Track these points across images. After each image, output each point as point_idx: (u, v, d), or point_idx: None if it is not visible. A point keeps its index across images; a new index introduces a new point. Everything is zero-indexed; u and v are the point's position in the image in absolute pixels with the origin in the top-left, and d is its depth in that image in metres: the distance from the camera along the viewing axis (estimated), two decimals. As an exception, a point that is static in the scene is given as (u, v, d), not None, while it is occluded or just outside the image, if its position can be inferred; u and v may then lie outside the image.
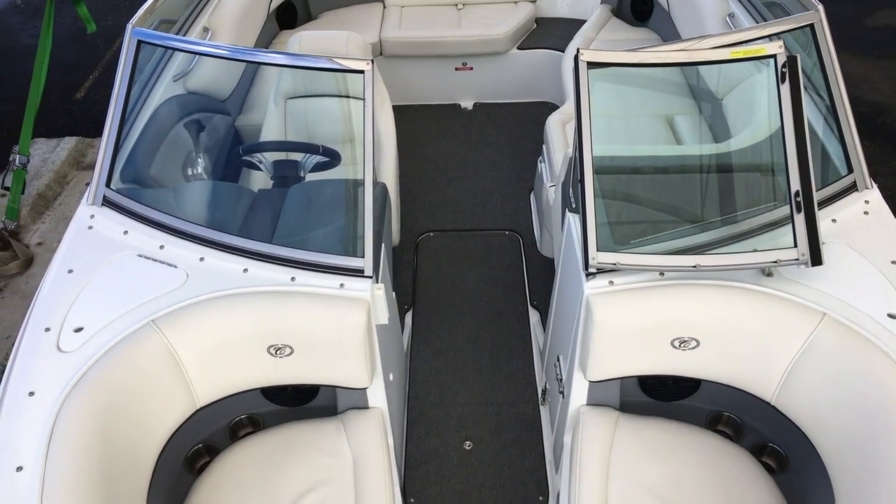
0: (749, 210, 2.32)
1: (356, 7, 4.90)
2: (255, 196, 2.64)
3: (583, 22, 4.81)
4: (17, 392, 1.93)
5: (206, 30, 3.56)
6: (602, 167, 2.30)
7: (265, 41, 4.42)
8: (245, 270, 2.25)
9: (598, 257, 2.14)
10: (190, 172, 3.02)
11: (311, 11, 4.88)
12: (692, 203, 2.45)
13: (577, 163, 2.24)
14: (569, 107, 3.84)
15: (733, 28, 3.45)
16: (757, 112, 2.71)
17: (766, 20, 3.30)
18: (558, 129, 3.61)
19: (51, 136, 5.12)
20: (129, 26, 2.57)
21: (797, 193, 2.14)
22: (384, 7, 4.87)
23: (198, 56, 3.29)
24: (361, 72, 2.30)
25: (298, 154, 2.92)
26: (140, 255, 2.31)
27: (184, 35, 3.41)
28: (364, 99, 2.29)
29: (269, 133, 3.47)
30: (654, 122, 3.49)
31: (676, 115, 3.53)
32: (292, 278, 2.23)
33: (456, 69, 4.73)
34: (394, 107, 4.77)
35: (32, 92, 3.96)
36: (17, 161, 3.90)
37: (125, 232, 2.39)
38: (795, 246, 2.13)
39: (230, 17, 3.74)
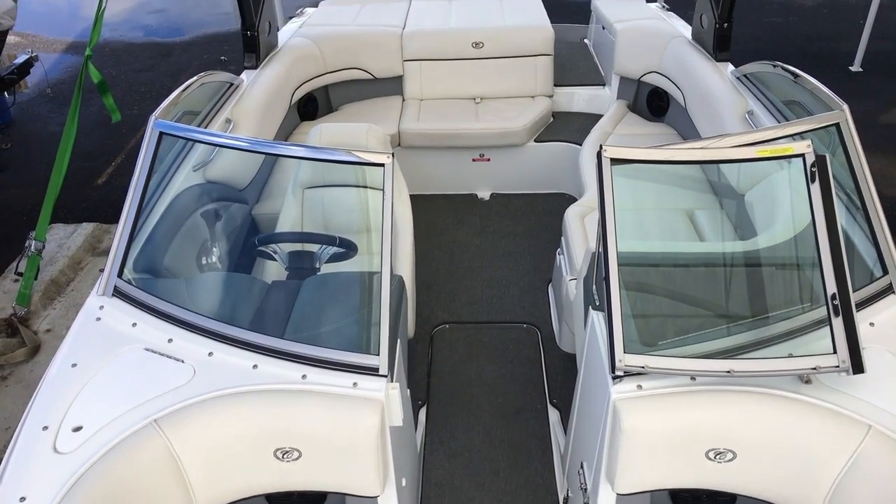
0: (782, 311, 2.22)
1: (376, 100, 5.00)
2: (269, 288, 2.58)
3: (599, 116, 4.88)
4: (8, 497, 1.81)
5: (228, 121, 3.62)
6: (627, 264, 2.23)
7: (286, 132, 4.49)
8: (255, 367, 2.15)
9: (626, 360, 2.03)
10: (204, 262, 2.97)
11: (332, 104, 4.98)
12: (722, 303, 2.35)
13: (601, 259, 2.17)
14: (587, 199, 3.82)
15: (753, 125, 3.45)
16: (782, 209, 2.65)
17: (785, 118, 3.30)
18: (577, 222, 3.57)
19: (70, 222, 5.15)
20: (153, 118, 2.59)
21: (833, 296, 2.04)
22: (403, 100, 4.97)
23: (216, 148, 3.32)
24: (382, 165, 2.28)
25: (314, 244, 2.87)
26: (147, 349, 2.23)
27: (206, 126, 3.46)
28: (383, 192, 2.26)
29: (287, 222, 3.45)
30: (675, 217, 3.45)
31: (697, 210, 3.49)
32: (303, 376, 2.13)
33: (473, 160, 4.76)
34: (410, 196, 4.78)
35: (53, 178, 4.00)
36: (32, 247, 3.90)
37: (134, 324, 2.31)
38: (835, 352, 2.01)
39: (252, 109, 3.80)
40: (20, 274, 3.99)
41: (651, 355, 2.05)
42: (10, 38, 9.21)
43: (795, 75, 3.22)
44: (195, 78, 3.30)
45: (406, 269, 3.34)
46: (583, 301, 2.64)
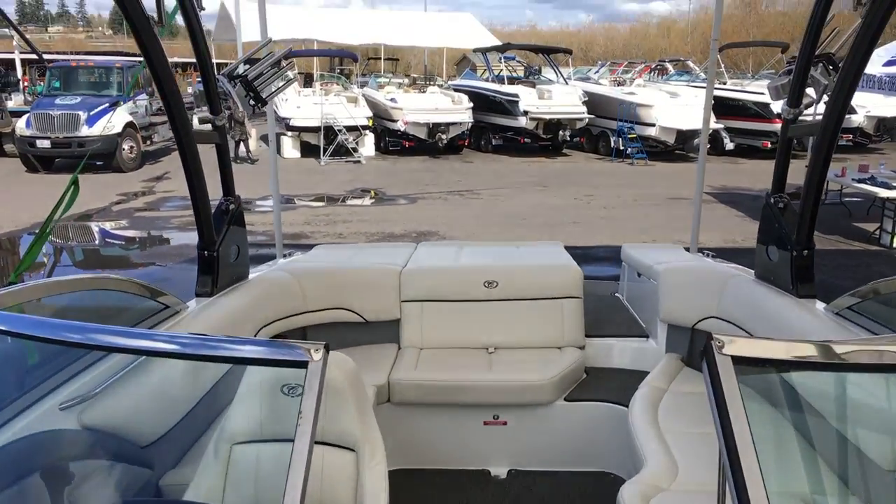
0: None
1: (366, 347, 4.05)
2: None
3: (644, 374, 3.84)
4: None
5: None
6: None
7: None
8: None
9: None
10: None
11: None
12: None
13: None
14: (648, 476, 2.62)
15: None
16: None
17: None
18: None
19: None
20: (-37, 301, 1.64)
21: None
22: (399, 348, 4.02)
23: (111, 380, 2.31)
24: (304, 365, 1.25)
25: None
26: None
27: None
28: (299, 418, 1.19)
29: (198, 494, 2.28)
30: None
31: (817, 496, 2.28)
32: None
33: (485, 423, 3.63)
34: (402, 471, 3.58)
35: None
36: None
37: None
38: None
39: None
40: None
41: None
42: None
43: None
44: (90, 275, 2.43)
45: None
46: None
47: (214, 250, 3.27)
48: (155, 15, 2.27)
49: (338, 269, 4.12)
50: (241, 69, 3.25)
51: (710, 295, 3.67)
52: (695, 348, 3.81)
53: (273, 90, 3.30)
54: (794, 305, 3.11)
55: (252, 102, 3.18)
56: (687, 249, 5.04)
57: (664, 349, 3.92)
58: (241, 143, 18.61)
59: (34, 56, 21.65)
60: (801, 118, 3.15)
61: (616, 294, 4.98)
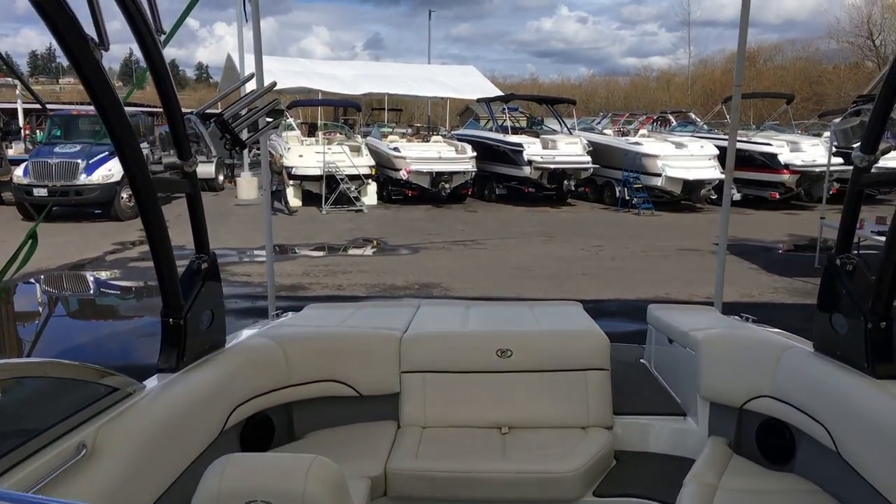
0: None
1: (360, 426, 3.52)
2: None
3: (685, 461, 3.30)
4: None
5: (81, 447, 2.14)
6: None
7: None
8: None
9: None
10: None
11: (294, 430, 3.50)
12: None
13: None
14: None
15: None
16: None
17: None
18: None
19: None
20: None
21: None
22: (398, 427, 3.49)
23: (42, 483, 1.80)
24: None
25: None
26: None
27: (42, 451, 1.99)
28: None
29: None
30: None
31: None
32: None
33: None
34: None
35: None
36: None
37: None
38: None
39: (140, 431, 2.34)
40: None
41: None
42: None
43: None
44: (34, 361, 1.95)
45: None
46: None
47: (181, 317, 2.78)
48: (94, 35, 1.84)
49: (329, 334, 3.63)
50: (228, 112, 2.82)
51: (760, 369, 3.15)
52: (744, 432, 3.27)
53: (255, 131, 2.86)
54: (872, 388, 2.59)
55: (228, 146, 2.74)
56: (710, 304, 4.57)
57: (706, 432, 3.38)
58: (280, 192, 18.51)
59: (38, 105, 21.57)
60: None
61: (642, 361, 4.46)
